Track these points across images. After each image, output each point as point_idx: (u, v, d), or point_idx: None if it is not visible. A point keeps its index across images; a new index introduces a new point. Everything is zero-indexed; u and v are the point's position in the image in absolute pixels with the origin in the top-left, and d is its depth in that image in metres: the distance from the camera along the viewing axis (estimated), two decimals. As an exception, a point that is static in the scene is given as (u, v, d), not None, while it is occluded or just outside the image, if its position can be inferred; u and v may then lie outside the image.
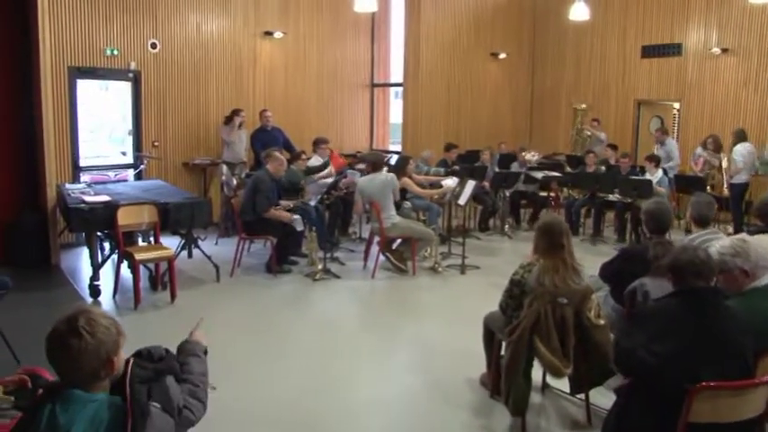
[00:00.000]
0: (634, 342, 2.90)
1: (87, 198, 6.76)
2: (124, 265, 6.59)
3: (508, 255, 8.91)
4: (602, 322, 3.93)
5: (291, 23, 11.02)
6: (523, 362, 3.92)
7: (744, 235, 3.68)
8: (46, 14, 7.41)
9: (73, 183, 8.16)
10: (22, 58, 7.64)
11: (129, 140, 9.62)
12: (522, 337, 3.85)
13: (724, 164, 9.94)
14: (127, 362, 2.16)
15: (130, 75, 9.32)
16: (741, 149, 9.55)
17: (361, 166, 9.56)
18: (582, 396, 4.20)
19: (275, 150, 8.02)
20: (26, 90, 7.70)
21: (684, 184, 9.66)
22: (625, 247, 5.67)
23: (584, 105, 11.44)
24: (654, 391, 2.87)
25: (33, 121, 7.64)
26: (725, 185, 9.71)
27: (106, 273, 7.01)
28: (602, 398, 4.29)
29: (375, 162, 7.87)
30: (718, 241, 3.59)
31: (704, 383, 2.69)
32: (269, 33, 10.67)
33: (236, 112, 9.64)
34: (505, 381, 3.96)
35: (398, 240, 7.81)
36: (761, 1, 9.16)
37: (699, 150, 10.40)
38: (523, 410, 4.00)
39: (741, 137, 9.67)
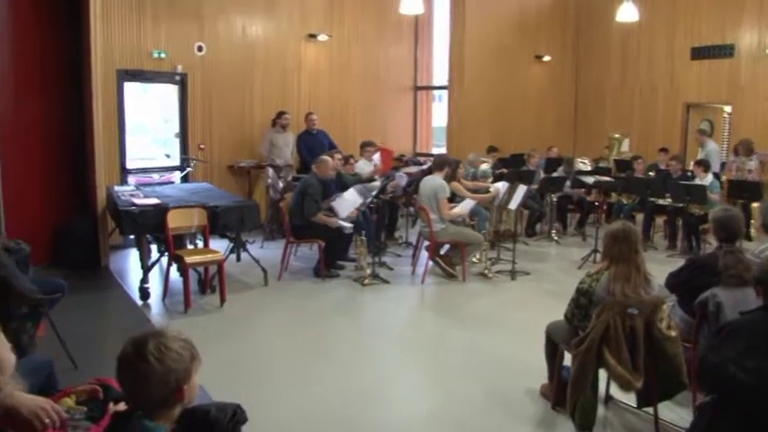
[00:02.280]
0: (723, 357, 2.75)
1: (137, 200, 6.78)
2: (173, 268, 6.60)
3: (557, 260, 8.77)
4: (673, 334, 3.78)
5: (336, 26, 11.00)
6: (591, 374, 3.79)
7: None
8: (98, 20, 7.46)
9: (121, 185, 8.22)
10: (72, 62, 7.72)
11: (175, 143, 9.67)
12: (590, 349, 3.72)
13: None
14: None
15: (177, 77, 9.37)
16: None
17: (409, 169, 9.49)
18: (650, 410, 4.04)
19: (334, 153, 8.02)
20: (76, 94, 7.77)
21: (738, 190, 9.36)
22: (693, 256, 5.48)
23: (618, 135, 11.23)
24: (744, 410, 2.72)
25: (83, 125, 7.71)
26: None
27: (154, 275, 7.04)
28: (671, 413, 4.16)
29: (436, 163, 7.76)
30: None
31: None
32: (313, 36, 10.66)
33: (279, 115, 9.63)
34: (572, 393, 3.83)
35: (446, 246, 7.70)
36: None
37: (732, 157, 10.14)
38: (591, 424, 3.87)
39: None
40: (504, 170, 9.58)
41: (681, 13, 12.06)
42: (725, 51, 11.50)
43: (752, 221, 8.39)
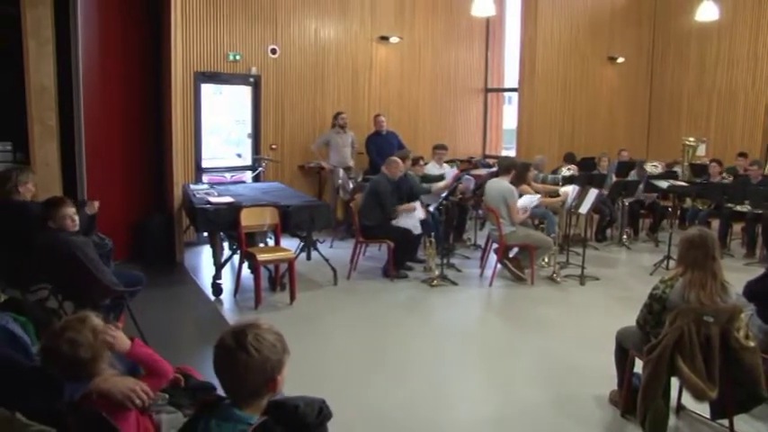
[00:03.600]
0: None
1: (212, 199, 6.97)
2: (244, 265, 6.76)
3: (627, 266, 8.59)
4: (752, 344, 3.67)
5: (407, 28, 11.06)
6: (663, 382, 3.71)
7: None
8: (179, 26, 7.73)
9: (196, 184, 8.47)
10: (153, 64, 8.01)
11: (248, 143, 9.90)
12: (663, 356, 3.65)
13: None
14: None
15: (251, 79, 9.60)
16: None
17: (478, 171, 9.46)
18: (724, 422, 3.93)
19: (406, 154, 8.20)
20: (155, 94, 8.06)
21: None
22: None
23: (692, 139, 10.91)
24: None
25: (161, 125, 7.99)
26: None
27: (226, 272, 7.23)
28: (747, 426, 4.04)
29: (501, 165, 7.74)
30: None
31: None
32: (385, 38, 10.75)
33: (336, 115, 9.76)
34: (643, 401, 3.76)
35: (515, 249, 7.65)
36: None
37: None
38: (662, 433, 3.79)
39: None
40: (574, 173, 9.41)
41: (765, 12, 11.62)
42: (812, 51, 11.03)
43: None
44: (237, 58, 9.36)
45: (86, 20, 7.08)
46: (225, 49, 9.26)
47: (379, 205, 7.46)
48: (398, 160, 7.78)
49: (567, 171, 9.45)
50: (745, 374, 3.64)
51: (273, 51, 9.73)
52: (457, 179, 8.08)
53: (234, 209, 6.66)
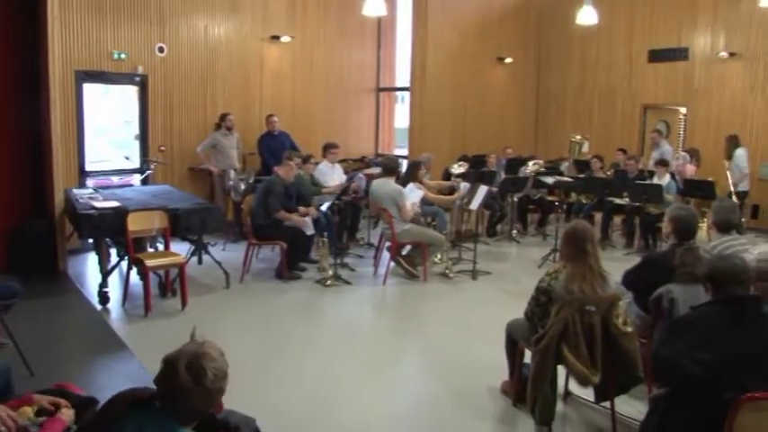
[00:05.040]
0: (675, 351, 2.83)
1: (97, 203, 6.67)
2: (132, 272, 6.52)
3: (517, 260, 8.88)
4: (629, 329, 3.86)
5: (299, 28, 10.98)
6: (551, 371, 3.85)
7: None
8: (56, 21, 7.35)
9: (79, 188, 8.09)
10: (29, 62, 7.58)
11: (136, 145, 9.55)
12: (549, 346, 3.78)
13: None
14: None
15: (137, 79, 9.26)
16: (744, 154, 9.59)
17: (370, 170, 9.51)
18: (607, 404, 4.12)
19: (294, 155, 8.07)
20: (32, 94, 7.62)
21: (693, 188, 9.55)
22: (648, 254, 5.61)
23: (579, 137, 11.49)
24: (695, 401, 2.80)
25: (40, 126, 7.57)
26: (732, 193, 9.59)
27: (114, 279, 6.95)
28: (627, 406, 4.25)
29: (386, 167, 7.81)
30: (755, 248, 3.52)
31: (749, 394, 2.63)
32: (276, 37, 10.62)
33: (223, 117, 9.61)
34: (532, 390, 3.89)
35: (408, 246, 7.74)
36: (770, 4, 9.11)
37: (686, 155, 10.34)
38: (550, 420, 3.93)
39: (737, 142, 9.70)
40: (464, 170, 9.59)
41: (639, 17, 12.33)
42: (680, 54, 11.80)
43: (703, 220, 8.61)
44: (123, 56, 9.00)
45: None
46: (109, 47, 8.87)
47: (267, 205, 7.36)
48: (292, 163, 7.72)
49: (458, 168, 9.65)
50: (624, 358, 3.83)
51: (161, 50, 9.42)
52: (350, 178, 8.10)
53: (120, 213, 6.40)
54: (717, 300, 2.97)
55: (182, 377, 2.00)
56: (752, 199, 10.33)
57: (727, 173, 9.76)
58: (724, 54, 11.17)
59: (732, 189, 9.55)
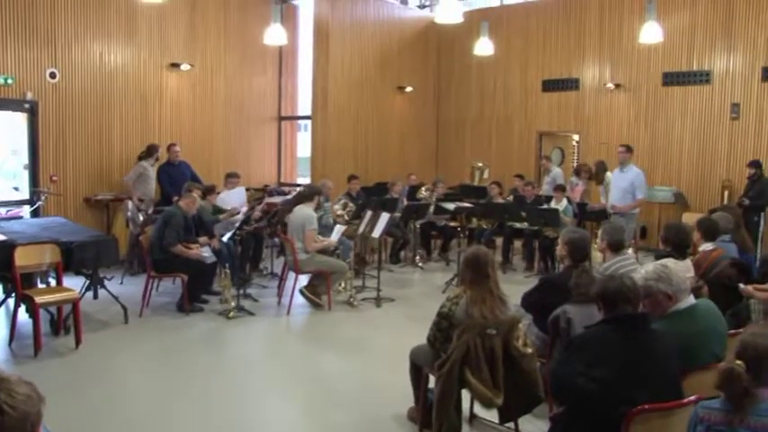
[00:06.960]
0: (571, 369, 2.94)
1: (-20, 238, 6.30)
2: (21, 309, 6.16)
3: (421, 286, 8.98)
4: (529, 351, 3.97)
5: (198, 55, 10.84)
6: (455, 395, 3.90)
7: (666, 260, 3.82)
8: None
9: (-38, 222, 7.63)
10: None
11: (25, 175, 9.10)
12: (452, 371, 3.83)
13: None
14: None
15: (26, 105, 8.86)
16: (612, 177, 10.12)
17: (273, 199, 9.43)
18: (511, 425, 4.21)
19: (196, 187, 7.90)
20: None
21: (588, 213, 9.95)
22: (545, 277, 5.79)
23: (480, 164, 11.91)
24: (592, 417, 2.91)
25: None
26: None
27: (0, 318, 6.57)
28: (531, 426, 4.35)
29: (305, 195, 7.75)
30: (643, 267, 3.71)
31: (640, 407, 2.75)
32: (176, 65, 10.44)
33: (155, 148, 9.36)
34: (437, 415, 3.92)
35: (308, 275, 7.69)
36: (648, 41, 9.76)
37: (574, 179, 10.82)
38: (456, 444, 3.97)
39: (605, 167, 10.24)
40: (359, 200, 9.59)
41: (533, 49, 12.89)
42: (571, 85, 12.38)
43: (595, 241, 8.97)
44: (9, 81, 8.61)
45: None
46: (-7, 71, 8.48)
47: (176, 234, 7.16)
48: (195, 196, 7.56)
49: (340, 209, 9.47)
50: (525, 379, 3.93)
51: (53, 75, 9.08)
52: (251, 208, 8.00)
53: (7, 247, 6.04)
54: (608, 318, 3.11)
55: None
56: (639, 220, 10.86)
57: (601, 198, 10.22)
58: (610, 85, 11.82)
59: (611, 211, 9.94)
